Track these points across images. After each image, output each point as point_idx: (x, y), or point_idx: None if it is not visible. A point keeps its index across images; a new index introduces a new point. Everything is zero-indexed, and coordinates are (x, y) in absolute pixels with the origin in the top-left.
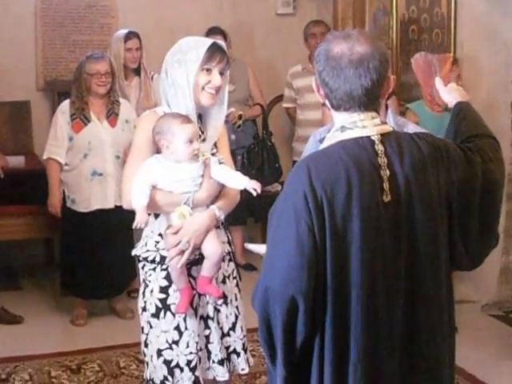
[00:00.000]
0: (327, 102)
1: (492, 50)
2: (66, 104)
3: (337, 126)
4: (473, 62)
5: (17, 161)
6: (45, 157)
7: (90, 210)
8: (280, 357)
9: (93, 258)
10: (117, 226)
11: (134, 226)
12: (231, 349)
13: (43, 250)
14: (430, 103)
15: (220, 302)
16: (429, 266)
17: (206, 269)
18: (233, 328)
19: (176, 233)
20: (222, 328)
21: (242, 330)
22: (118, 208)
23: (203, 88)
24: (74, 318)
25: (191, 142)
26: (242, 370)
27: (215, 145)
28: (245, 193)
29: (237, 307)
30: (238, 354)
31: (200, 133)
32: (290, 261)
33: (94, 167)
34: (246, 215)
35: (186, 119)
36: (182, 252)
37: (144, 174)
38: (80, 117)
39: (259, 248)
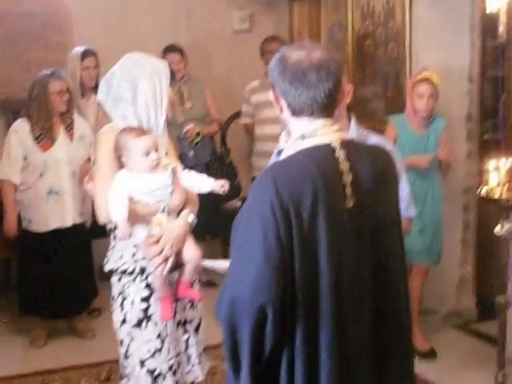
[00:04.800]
0: (287, 111)
1: (446, 62)
2: (19, 123)
3: (296, 134)
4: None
5: None
6: None
7: (47, 230)
8: (246, 368)
9: (52, 277)
10: (75, 245)
11: (115, 241)
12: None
13: (0, 271)
14: (409, 118)
15: (189, 305)
16: (393, 266)
17: (187, 273)
18: (196, 330)
19: (157, 241)
20: None
21: (204, 333)
22: (76, 227)
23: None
24: (33, 339)
25: (147, 153)
26: (203, 370)
27: (166, 153)
28: (202, 209)
29: (201, 311)
30: (200, 356)
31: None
32: (259, 270)
33: (50, 186)
34: (205, 231)
35: (140, 132)
36: (166, 259)
37: (119, 187)
38: (47, 136)
39: (215, 264)
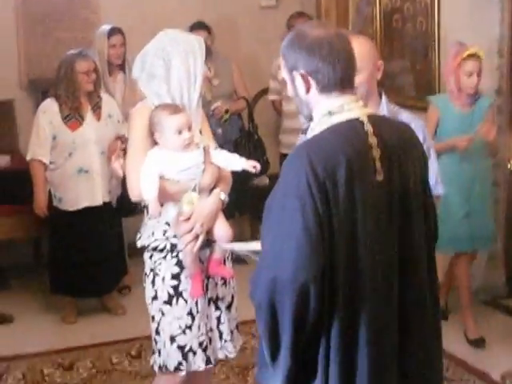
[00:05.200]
0: (314, 89)
1: (475, 37)
2: (48, 103)
3: (322, 111)
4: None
5: (2, 160)
6: (28, 158)
7: (77, 209)
8: (286, 349)
9: (82, 256)
10: (106, 223)
11: (148, 218)
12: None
13: (31, 249)
14: (452, 97)
15: (221, 282)
16: (419, 240)
17: (218, 251)
18: (229, 308)
19: (188, 219)
20: None
21: (236, 310)
22: (106, 205)
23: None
24: (64, 316)
25: (180, 132)
26: (235, 347)
27: (200, 132)
28: (231, 186)
29: (233, 288)
30: (232, 333)
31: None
32: (300, 248)
33: (79, 165)
34: (233, 208)
35: (174, 110)
36: (196, 237)
37: (150, 165)
38: (75, 116)
39: (243, 246)
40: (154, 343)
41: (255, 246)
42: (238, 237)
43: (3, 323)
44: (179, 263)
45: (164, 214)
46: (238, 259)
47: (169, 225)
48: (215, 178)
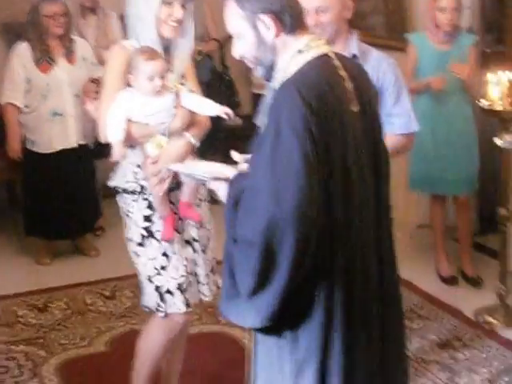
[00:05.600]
0: (278, 30)
1: None
2: (22, 47)
3: (291, 52)
4: None
5: None
6: (2, 102)
7: (51, 151)
8: (279, 287)
9: (56, 198)
10: (79, 166)
11: (111, 160)
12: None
13: (5, 192)
14: (430, 34)
15: (198, 224)
16: (386, 174)
17: (185, 194)
18: (204, 250)
19: (155, 162)
20: None
21: (211, 252)
22: (80, 147)
23: (165, 21)
24: (38, 258)
25: (152, 78)
26: (211, 290)
27: (183, 76)
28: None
29: (209, 230)
30: (208, 276)
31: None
32: (300, 184)
33: (53, 108)
34: (205, 149)
35: (151, 55)
36: (163, 180)
37: (118, 107)
38: (46, 59)
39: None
40: (139, 283)
41: (204, 167)
42: None
43: None
44: (150, 205)
45: (135, 156)
46: (215, 200)
47: (140, 167)
48: (186, 122)
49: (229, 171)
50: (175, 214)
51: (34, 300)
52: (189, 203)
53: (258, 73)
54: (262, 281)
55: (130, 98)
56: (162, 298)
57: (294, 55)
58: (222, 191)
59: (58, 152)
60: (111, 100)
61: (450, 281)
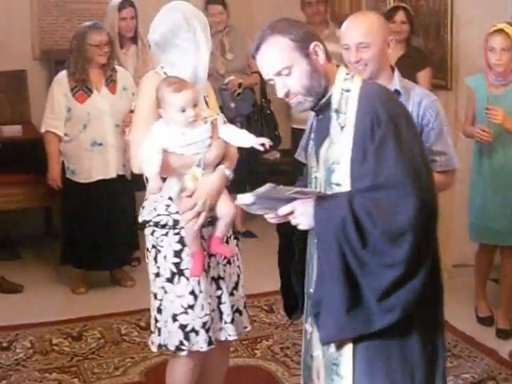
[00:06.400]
0: (324, 54)
1: (489, 15)
2: (62, 75)
3: (341, 75)
4: (469, 29)
5: (14, 130)
6: (43, 130)
7: (90, 181)
8: (425, 273)
9: (93, 229)
10: (119, 196)
11: (147, 194)
12: (235, 308)
13: (42, 220)
14: (486, 76)
15: (224, 262)
16: None
17: (220, 229)
18: (236, 287)
19: (190, 195)
20: (227, 288)
21: (242, 288)
22: (120, 177)
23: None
24: (74, 287)
25: (184, 110)
26: (245, 328)
27: (206, 103)
28: (242, 160)
29: (238, 267)
30: (241, 313)
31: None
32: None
33: (93, 137)
34: (244, 182)
35: (179, 86)
36: (198, 214)
37: (153, 139)
38: (83, 88)
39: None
40: (153, 321)
41: (291, 188)
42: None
43: (13, 293)
44: (181, 240)
45: (167, 188)
46: (246, 233)
47: (172, 200)
48: (221, 153)
49: (313, 189)
50: (204, 250)
51: (69, 328)
52: (221, 238)
53: (305, 105)
54: (414, 272)
55: (166, 128)
56: (186, 337)
57: (346, 78)
58: (308, 208)
59: (97, 182)
60: (143, 129)
61: (486, 321)
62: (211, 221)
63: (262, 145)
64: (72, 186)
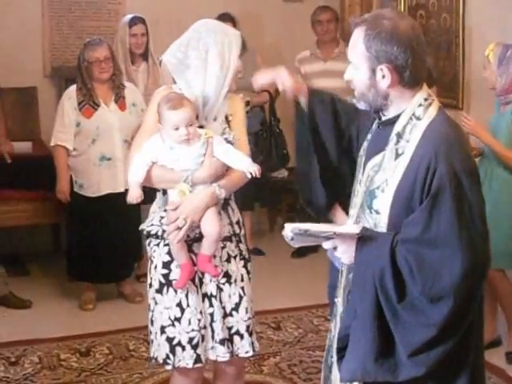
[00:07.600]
0: (398, 82)
1: (500, 33)
2: (71, 90)
3: (415, 102)
4: (481, 48)
5: (24, 146)
6: (52, 143)
7: (99, 195)
8: (460, 335)
9: (100, 242)
10: (126, 210)
11: (127, 202)
12: (233, 330)
13: (51, 236)
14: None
15: (223, 280)
16: None
17: (205, 247)
18: (236, 309)
19: (175, 209)
20: (224, 307)
21: (246, 311)
22: (127, 192)
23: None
24: (82, 303)
25: (177, 128)
26: (246, 352)
27: (228, 122)
28: (251, 179)
29: (242, 288)
30: (242, 336)
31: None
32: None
33: (102, 152)
34: (254, 200)
35: (176, 104)
36: (180, 228)
37: (146, 151)
38: (89, 103)
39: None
40: (148, 333)
41: (325, 227)
42: (256, 229)
43: (22, 309)
44: (170, 252)
45: (165, 200)
46: (255, 250)
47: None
48: (213, 172)
49: (355, 228)
50: (195, 265)
51: (77, 344)
52: (209, 257)
53: (358, 103)
54: (445, 333)
55: (159, 141)
56: (171, 350)
57: (418, 105)
58: (349, 248)
59: (105, 196)
60: (142, 142)
61: (494, 344)
62: (199, 237)
63: (250, 173)
64: (80, 200)
